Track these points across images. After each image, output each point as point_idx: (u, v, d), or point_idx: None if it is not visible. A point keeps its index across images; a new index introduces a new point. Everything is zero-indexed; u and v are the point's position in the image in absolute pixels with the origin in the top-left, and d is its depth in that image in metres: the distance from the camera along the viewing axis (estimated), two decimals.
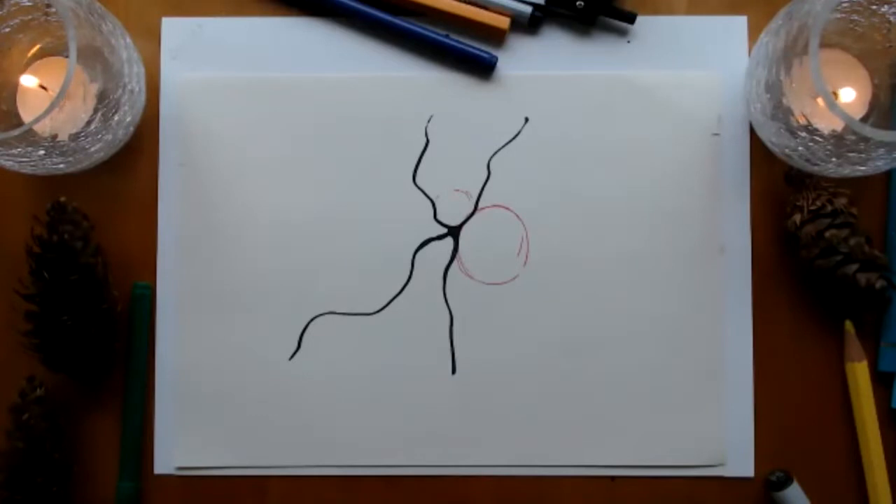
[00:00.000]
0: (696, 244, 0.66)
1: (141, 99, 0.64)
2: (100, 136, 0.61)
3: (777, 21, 0.60)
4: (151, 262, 0.67)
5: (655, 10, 0.67)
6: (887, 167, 0.58)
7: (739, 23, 0.67)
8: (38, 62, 0.65)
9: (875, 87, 0.64)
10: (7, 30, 0.63)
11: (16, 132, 0.57)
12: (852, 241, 0.63)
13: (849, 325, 0.66)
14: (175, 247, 0.67)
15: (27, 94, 0.65)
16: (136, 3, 0.68)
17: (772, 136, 0.62)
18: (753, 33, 0.67)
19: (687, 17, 0.67)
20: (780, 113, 0.59)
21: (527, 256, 0.66)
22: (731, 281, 0.66)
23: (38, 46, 0.65)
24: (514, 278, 0.66)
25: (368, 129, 0.67)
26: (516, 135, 0.67)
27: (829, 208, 0.63)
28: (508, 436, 0.66)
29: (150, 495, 0.66)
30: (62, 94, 0.56)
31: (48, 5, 0.62)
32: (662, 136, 0.67)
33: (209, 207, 0.67)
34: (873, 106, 0.64)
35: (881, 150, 0.57)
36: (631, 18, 0.66)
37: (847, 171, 0.59)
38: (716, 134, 0.67)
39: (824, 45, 0.62)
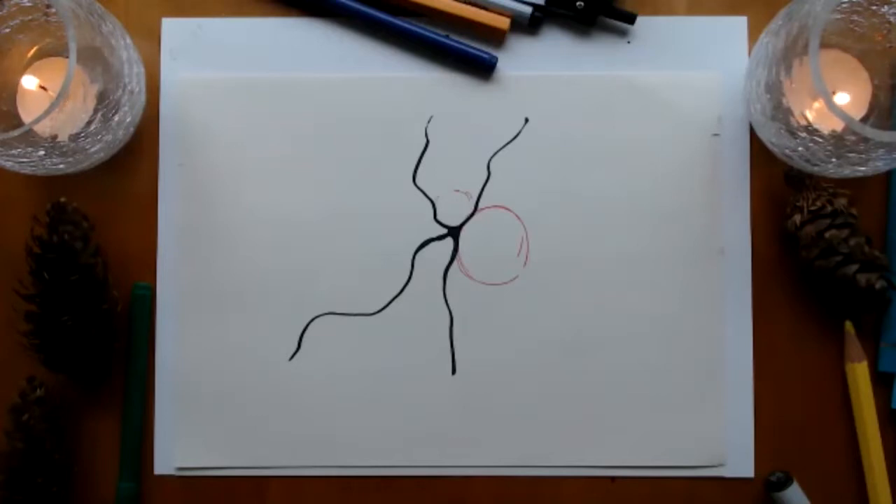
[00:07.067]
0: (696, 244, 0.66)
1: (141, 99, 0.64)
2: (100, 136, 0.61)
3: (777, 21, 0.60)
4: (151, 262, 0.67)
5: (655, 11, 0.67)
6: (887, 167, 0.58)
7: (739, 23, 0.67)
8: (38, 63, 0.65)
9: (875, 87, 0.64)
10: (7, 30, 0.63)
11: (16, 133, 0.57)
12: (852, 242, 0.63)
13: (849, 325, 0.66)
14: (175, 247, 0.67)
15: (27, 95, 0.65)
16: (136, 3, 0.68)
17: (772, 137, 0.62)
18: (753, 34, 0.67)
19: (687, 17, 0.67)
20: (780, 113, 0.59)
21: (527, 257, 0.66)
22: (731, 281, 0.66)
23: (37, 47, 0.65)
24: (514, 279, 0.66)
25: (368, 129, 0.67)
26: (516, 135, 0.67)
27: (829, 209, 0.63)
28: (508, 436, 0.66)
29: (150, 495, 0.66)
30: (62, 95, 0.56)
31: (48, 6, 0.62)
32: (662, 137, 0.67)
33: (209, 208, 0.67)
34: (873, 106, 0.64)
35: (881, 151, 0.57)
36: (631, 19, 0.66)
37: (847, 171, 0.59)
38: (716, 134, 0.67)
39: (824, 45, 0.62)
